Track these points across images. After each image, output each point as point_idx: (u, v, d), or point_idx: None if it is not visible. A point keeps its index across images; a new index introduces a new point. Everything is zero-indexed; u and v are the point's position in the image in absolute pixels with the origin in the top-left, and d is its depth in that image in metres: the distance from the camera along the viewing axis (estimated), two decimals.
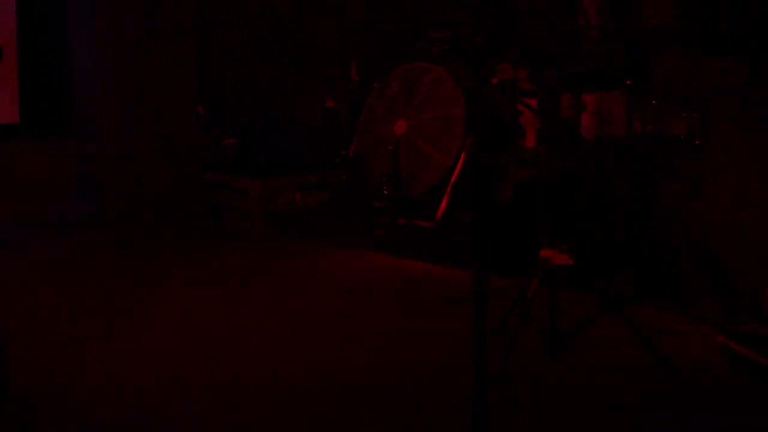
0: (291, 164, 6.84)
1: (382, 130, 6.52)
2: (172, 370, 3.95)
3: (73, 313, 4.68)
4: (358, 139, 6.64)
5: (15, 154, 6.02)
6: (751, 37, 5.13)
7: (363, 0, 7.23)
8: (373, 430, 3.51)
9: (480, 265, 2.97)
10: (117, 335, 4.37)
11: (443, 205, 5.66)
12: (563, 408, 3.68)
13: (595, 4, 5.44)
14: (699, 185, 4.81)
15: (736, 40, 5.16)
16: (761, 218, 4.55)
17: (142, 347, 4.21)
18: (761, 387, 3.84)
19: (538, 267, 4.14)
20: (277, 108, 6.82)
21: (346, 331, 4.46)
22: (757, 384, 3.88)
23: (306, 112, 7.06)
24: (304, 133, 6.99)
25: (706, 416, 3.63)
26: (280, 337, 4.36)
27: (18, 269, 5.37)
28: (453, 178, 5.71)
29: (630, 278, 4.82)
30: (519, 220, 5.12)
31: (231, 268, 5.44)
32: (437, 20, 6.77)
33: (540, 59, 5.17)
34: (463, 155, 5.68)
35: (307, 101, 7.09)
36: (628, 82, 5.03)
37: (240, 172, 6.38)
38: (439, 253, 5.60)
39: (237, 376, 3.86)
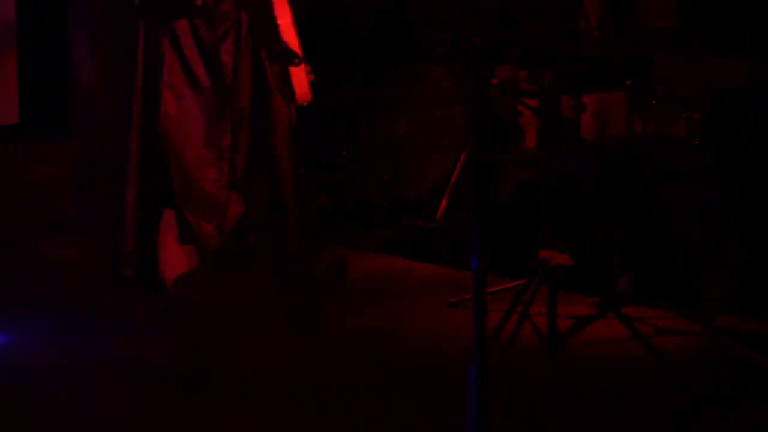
0: None
1: (382, 130, 6.52)
2: None
3: None
4: (359, 140, 6.64)
5: (15, 155, 6.02)
6: (751, 37, 5.12)
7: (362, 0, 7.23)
8: (368, 427, 3.51)
9: (480, 265, 2.96)
10: None
11: (443, 205, 5.66)
12: (562, 409, 3.67)
13: (595, 5, 5.43)
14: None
15: (737, 40, 5.16)
16: None
17: None
18: (762, 388, 3.84)
19: (537, 267, 4.13)
20: None
21: (344, 331, 4.46)
22: (758, 385, 3.87)
23: (305, 112, 7.04)
24: (304, 134, 6.97)
25: (707, 417, 3.62)
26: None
27: (22, 268, 5.39)
28: (453, 179, 5.71)
29: (630, 278, 4.81)
30: (519, 220, 5.11)
31: None
32: (437, 20, 6.77)
33: (540, 59, 5.16)
34: (463, 156, 5.68)
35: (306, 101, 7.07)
36: (628, 82, 5.02)
37: None
38: (439, 253, 5.59)
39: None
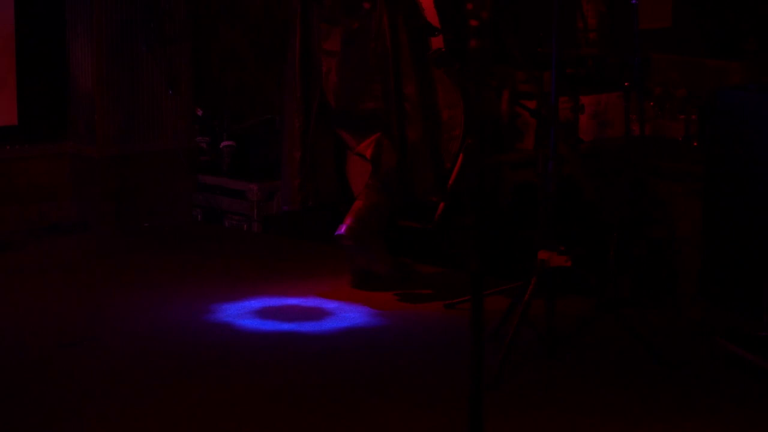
0: None
1: None
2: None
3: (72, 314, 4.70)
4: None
5: (13, 157, 6.02)
6: (750, 37, 5.13)
7: None
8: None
9: (477, 267, 2.96)
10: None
11: (441, 206, 5.65)
12: (560, 410, 3.67)
13: (594, 6, 5.44)
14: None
15: (736, 40, 5.17)
16: None
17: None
18: (758, 389, 3.84)
19: (535, 269, 4.12)
20: (275, 110, 6.81)
21: (342, 332, 4.45)
22: (754, 386, 3.87)
23: None
24: None
25: (704, 418, 3.63)
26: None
27: (19, 271, 5.39)
28: (451, 180, 5.70)
29: (627, 280, 4.81)
30: (517, 222, 5.11)
31: (228, 269, 5.44)
32: (436, 21, 6.76)
33: (539, 61, 5.16)
34: (461, 157, 5.67)
35: None
36: (626, 84, 5.02)
37: (238, 175, 6.37)
38: (437, 254, 5.59)
39: None
